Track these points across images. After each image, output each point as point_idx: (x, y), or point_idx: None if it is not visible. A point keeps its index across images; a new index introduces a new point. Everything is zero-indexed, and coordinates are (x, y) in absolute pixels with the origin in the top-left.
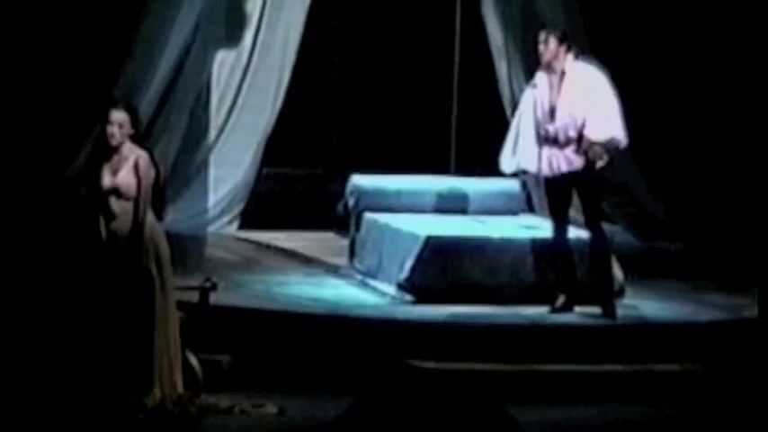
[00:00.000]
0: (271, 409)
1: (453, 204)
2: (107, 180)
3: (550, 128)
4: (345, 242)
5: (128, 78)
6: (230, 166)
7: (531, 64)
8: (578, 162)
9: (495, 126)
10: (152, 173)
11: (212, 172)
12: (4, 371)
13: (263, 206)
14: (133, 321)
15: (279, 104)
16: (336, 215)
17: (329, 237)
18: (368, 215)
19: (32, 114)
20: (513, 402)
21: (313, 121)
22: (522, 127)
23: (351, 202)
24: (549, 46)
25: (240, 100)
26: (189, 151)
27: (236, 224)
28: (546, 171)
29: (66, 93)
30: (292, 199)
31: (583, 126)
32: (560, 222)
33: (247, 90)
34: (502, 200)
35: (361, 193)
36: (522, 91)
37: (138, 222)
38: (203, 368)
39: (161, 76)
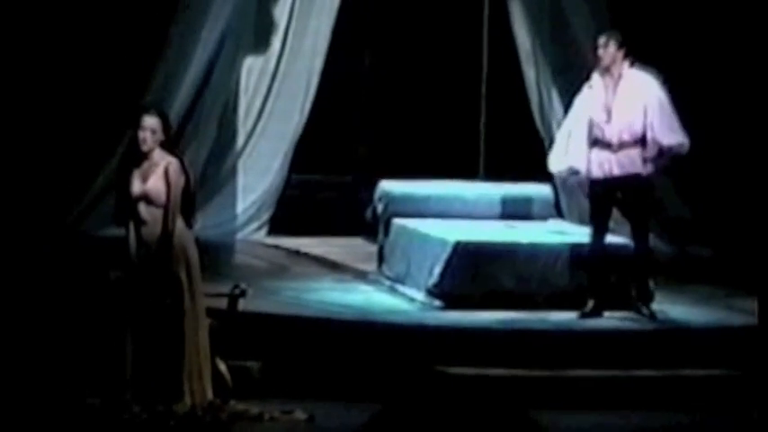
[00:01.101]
0: (300, 415)
1: (482, 210)
2: (137, 186)
3: (606, 130)
4: (374, 248)
5: (157, 86)
6: (259, 173)
7: (558, 68)
8: (630, 167)
9: (523, 131)
10: (182, 180)
11: (241, 179)
12: (29, 378)
13: (291, 213)
14: (163, 328)
15: (307, 111)
16: (365, 221)
17: (358, 243)
18: (396, 221)
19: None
20: (542, 408)
21: (341, 128)
22: (574, 127)
23: (379, 208)
24: (608, 50)
25: (268, 106)
26: (217, 158)
27: (264, 231)
28: (597, 173)
29: (96, 101)
30: (321, 205)
31: (642, 131)
32: (601, 226)
33: (275, 96)
34: (531, 205)
35: (389, 199)
36: (549, 95)
37: (167, 229)
38: (233, 375)
39: (190, 83)
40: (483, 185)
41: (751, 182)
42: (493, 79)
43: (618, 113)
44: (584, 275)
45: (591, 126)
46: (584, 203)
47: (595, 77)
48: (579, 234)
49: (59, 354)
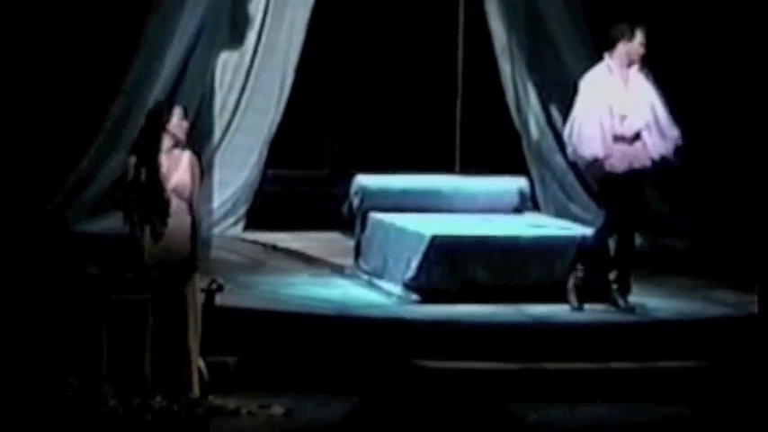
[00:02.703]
0: (278, 410)
1: (459, 203)
2: (170, 180)
3: (625, 123)
4: (351, 242)
5: (132, 80)
6: (234, 168)
7: (534, 62)
8: (642, 160)
9: (499, 125)
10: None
11: (217, 174)
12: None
13: (268, 207)
14: (173, 322)
15: (282, 106)
16: (342, 215)
17: (335, 237)
18: (373, 215)
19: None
20: (519, 401)
21: (317, 122)
22: (602, 114)
23: (356, 203)
24: (644, 45)
25: (244, 101)
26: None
27: (241, 225)
28: (619, 166)
29: (71, 95)
30: (297, 200)
31: (647, 125)
32: (621, 221)
33: (251, 91)
34: (507, 198)
35: (366, 194)
36: (525, 89)
37: (195, 221)
38: (210, 370)
39: (165, 77)
40: (459, 179)
41: (736, 178)
42: (469, 73)
43: (635, 107)
44: (562, 268)
45: (611, 116)
46: (561, 197)
47: (615, 68)
48: (556, 227)
49: (35, 348)
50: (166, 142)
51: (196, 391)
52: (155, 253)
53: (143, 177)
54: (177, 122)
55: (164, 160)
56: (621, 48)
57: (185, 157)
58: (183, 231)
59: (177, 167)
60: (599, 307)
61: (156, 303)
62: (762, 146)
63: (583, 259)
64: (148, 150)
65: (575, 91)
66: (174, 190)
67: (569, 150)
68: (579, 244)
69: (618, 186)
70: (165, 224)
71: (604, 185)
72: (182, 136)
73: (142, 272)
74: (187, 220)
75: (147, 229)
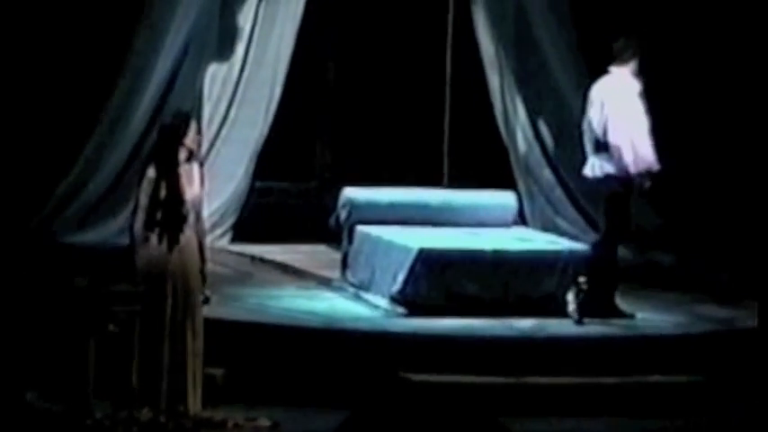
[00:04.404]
0: (264, 422)
1: (446, 217)
2: (190, 193)
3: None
4: (338, 255)
5: (121, 92)
6: (222, 180)
7: (522, 75)
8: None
9: (487, 138)
10: None
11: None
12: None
13: (255, 219)
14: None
15: (271, 118)
16: (329, 228)
17: (322, 250)
18: (360, 228)
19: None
20: (505, 415)
21: (305, 134)
22: (630, 126)
23: (343, 215)
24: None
25: (232, 113)
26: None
27: (228, 237)
28: (634, 170)
29: (59, 107)
30: (285, 212)
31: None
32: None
33: (239, 103)
34: (495, 212)
35: (353, 206)
36: (513, 102)
37: (203, 233)
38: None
39: (154, 89)
40: (447, 193)
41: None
42: (457, 86)
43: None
44: (549, 282)
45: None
46: (548, 211)
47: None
48: (543, 241)
49: (22, 360)
50: (182, 155)
51: (198, 403)
52: (170, 264)
53: (163, 191)
54: (193, 136)
55: (181, 172)
56: (634, 62)
57: (196, 170)
58: (195, 243)
59: (191, 181)
60: (597, 322)
61: (144, 315)
62: (749, 160)
63: (589, 274)
64: (168, 164)
65: (583, 102)
66: (191, 203)
67: (629, 167)
68: (586, 258)
69: (628, 200)
70: (179, 238)
71: (620, 199)
72: (196, 149)
73: (134, 283)
74: (193, 231)
75: (153, 241)
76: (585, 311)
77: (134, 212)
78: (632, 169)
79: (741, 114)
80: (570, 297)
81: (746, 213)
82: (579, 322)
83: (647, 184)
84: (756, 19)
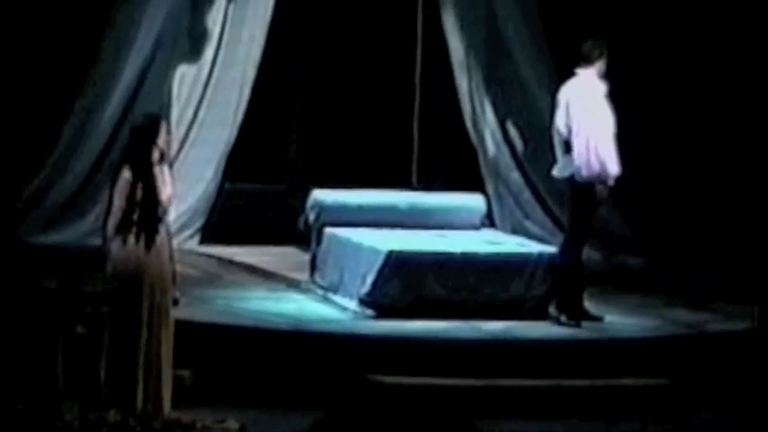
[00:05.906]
0: (233, 424)
1: (415, 219)
2: (165, 193)
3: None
4: (307, 257)
5: (90, 92)
6: (191, 181)
7: (491, 77)
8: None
9: (456, 140)
10: None
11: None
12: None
13: (224, 221)
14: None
15: (240, 119)
16: (298, 230)
17: (291, 252)
18: (329, 230)
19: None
20: (475, 417)
21: (274, 136)
22: (593, 128)
23: (312, 217)
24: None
25: (201, 115)
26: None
27: (197, 239)
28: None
29: (28, 107)
30: (254, 214)
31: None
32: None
33: (208, 105)
34: (463, 215)
35: (322, 208)
36: (482, 105)
37: (170, 233)
38: None
39: (122, 89)
40: (416, 195)
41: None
42: (426, 89)
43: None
44: (518, 285)
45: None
46: (517, 213)
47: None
48: (512, 244)
49: None
50: (155, 156)
51: (168, 404)
52: (148, 265)
53: (139, 192)
54: (164, 136)
55: (155, 172)
56: (600, 64)
57: (167, 170)
58: (167, 244)
59: (164, 181)
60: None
61: (118, 316)
62: (720, 164)
63: (559, 278)
64: (143, 165)
65: (552, 104)
66: (165, 203)
67: (582, 170)
68: (551, 264)
69: (592, 201)
70: (155, 239)
71: (591, 202)
72: (167, 150)
73: (105, 284)
74: (164, 232)
75: (129, 241)
76: (576, 314)
77: (107, 213)
78: (584, 172)
79: (711, 117)
80: (553, 306)
81: (718, 216)
82: (576, 326)
83: (604, 191)
84: (725, 22)
